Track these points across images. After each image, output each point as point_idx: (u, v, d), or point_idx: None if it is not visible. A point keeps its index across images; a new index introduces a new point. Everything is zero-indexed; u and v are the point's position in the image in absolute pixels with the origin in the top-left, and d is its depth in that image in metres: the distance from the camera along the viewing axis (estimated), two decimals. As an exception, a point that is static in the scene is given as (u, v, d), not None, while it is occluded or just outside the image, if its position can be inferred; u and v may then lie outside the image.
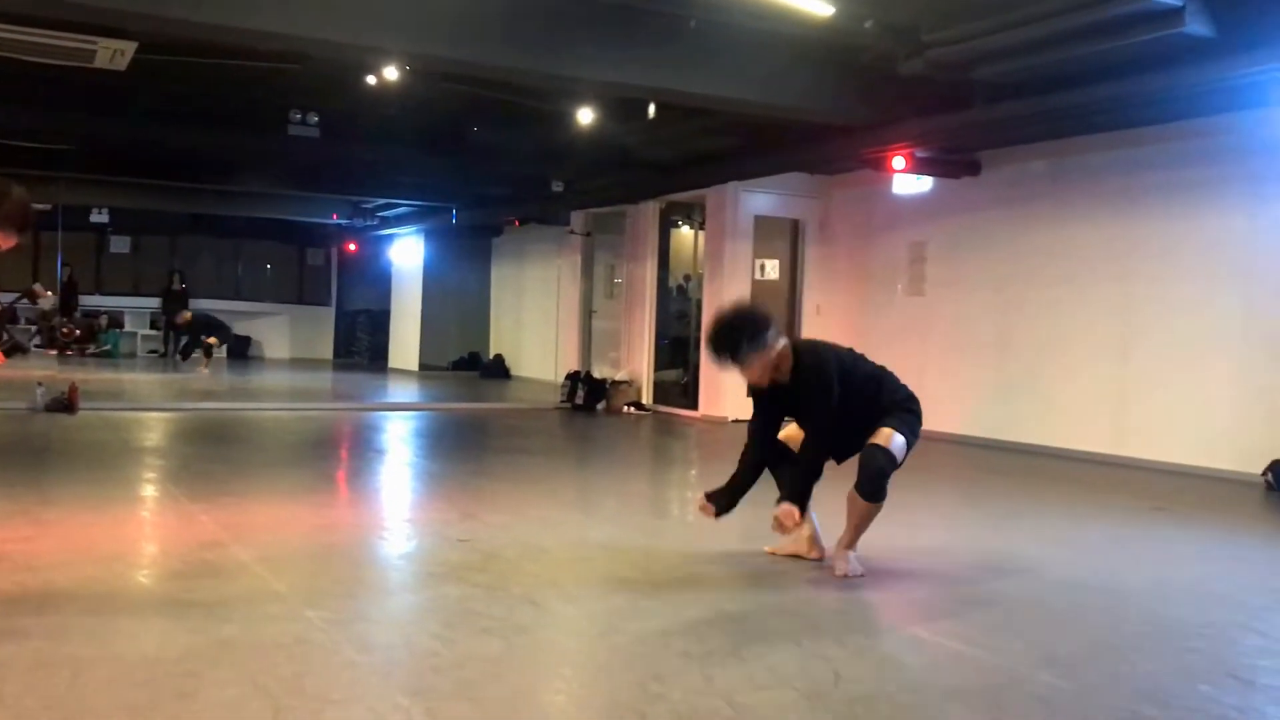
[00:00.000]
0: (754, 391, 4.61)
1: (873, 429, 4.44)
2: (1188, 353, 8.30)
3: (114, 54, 7.83)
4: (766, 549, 4.79)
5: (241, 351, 20.97)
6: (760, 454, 4.66)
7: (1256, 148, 7.90)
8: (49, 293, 17.02)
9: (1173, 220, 8.49)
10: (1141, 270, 8.66)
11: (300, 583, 4.06)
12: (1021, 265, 9.63)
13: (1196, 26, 6.03)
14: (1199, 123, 8.07)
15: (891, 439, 4.39)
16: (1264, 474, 7.43)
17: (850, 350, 4.75)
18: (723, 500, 4.61)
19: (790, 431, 4.70)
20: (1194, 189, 8.36)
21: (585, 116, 9.85)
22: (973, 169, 9.96)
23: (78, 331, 16.33)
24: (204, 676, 2.95)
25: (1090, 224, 9.11)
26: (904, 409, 4.55)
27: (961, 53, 6.99)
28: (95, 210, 17.44)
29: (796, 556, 4.71)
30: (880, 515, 4.49)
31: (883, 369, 4.71)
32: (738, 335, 4.38)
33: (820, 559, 4.65)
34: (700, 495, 4.70)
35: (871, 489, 4.37)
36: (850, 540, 4.50)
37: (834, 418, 4.46)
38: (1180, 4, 5.89)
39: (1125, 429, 8.68)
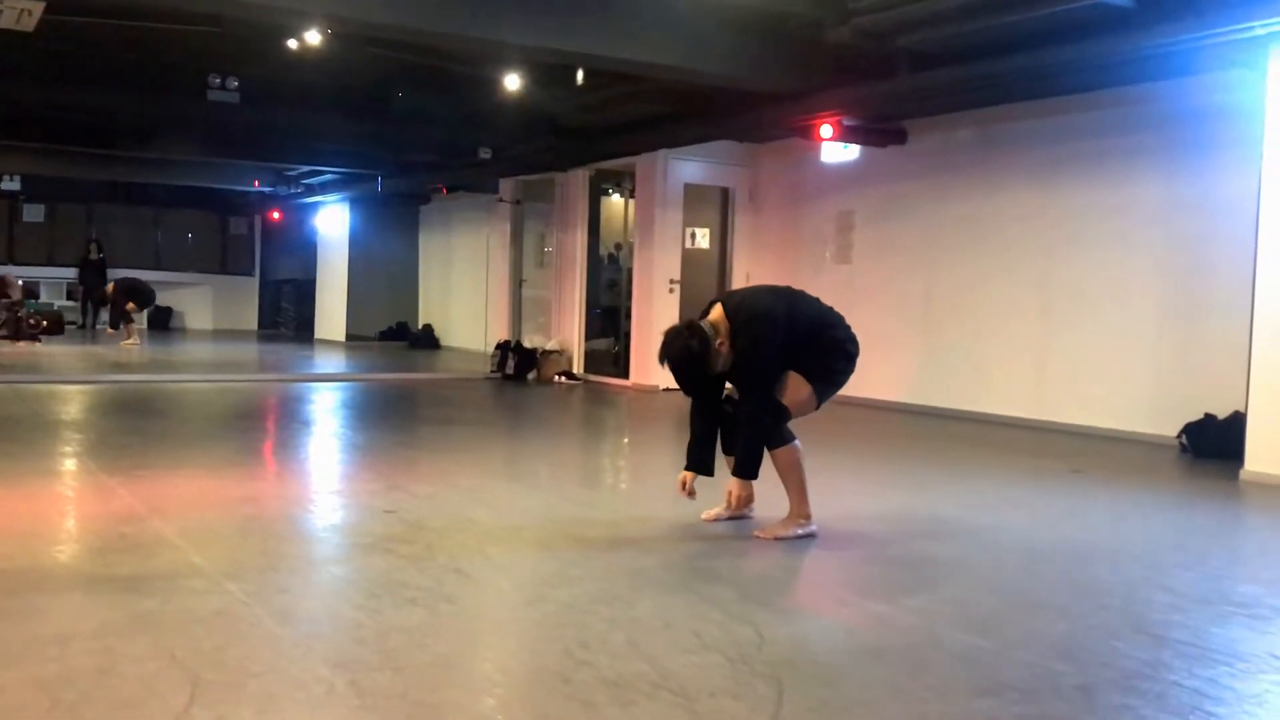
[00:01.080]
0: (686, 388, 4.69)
1: (813, 371, 4.55)
2: (1106, 319, 8.48)
3: (20, 14, 7.54)
4: (703, 516, 4.81)
5: (163, 323, 20.56)
6: (704, 426, 4.74)
7: (1174, 117, 8.07)
8: (19, 281, 16.49)
9: (1094, 188, 8.65)
10: (1063, 237, 8.82)
11: (222, 556, 3.99)
12: (947, 233, 9.75)
13: (1116, -4, 6.13)
14: (1119, 92, 8.22)
15: (785, 394, 4.50)
16: (1178, 437, 7.64)
17: (789, 291, 4.80)
18: (699, 466, 4.69)
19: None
20: (1114, 157, 8.52)
21: (512, 82, 9.74)
22: (899, 138, 10.04)
23: (44, 322, 15.90)
24: (120, 652, 2.90)
25: (1014, 192, 9.24)
26: (841, 352, 4.65)
27: (886, 20, 7.04)
28: (6, 177, 16.93)
29: (734, 518, 4.76)
30: (808, 481, 4.54)
31: (827, 310, 4.79)
32: (696, 366, 4.48)
33: (750, 516, 4.73)
34: (679, 480, 4.72)
35: (770, 439, 4.51)
36: (795, 505, 4.57)
37: (773, 390, 4.52)
38: (1100, -26, 5.98)
39: (1046, 394, 8.86)
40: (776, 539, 4.48)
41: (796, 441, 4.59)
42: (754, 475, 4.56)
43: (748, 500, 4.71)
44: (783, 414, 4.54)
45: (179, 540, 4.17)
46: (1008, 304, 9.22)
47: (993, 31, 6.95)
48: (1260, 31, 6.11)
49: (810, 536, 4.55)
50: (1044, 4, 6.35)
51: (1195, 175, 7.94)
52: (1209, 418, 7.48)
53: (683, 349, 4.49)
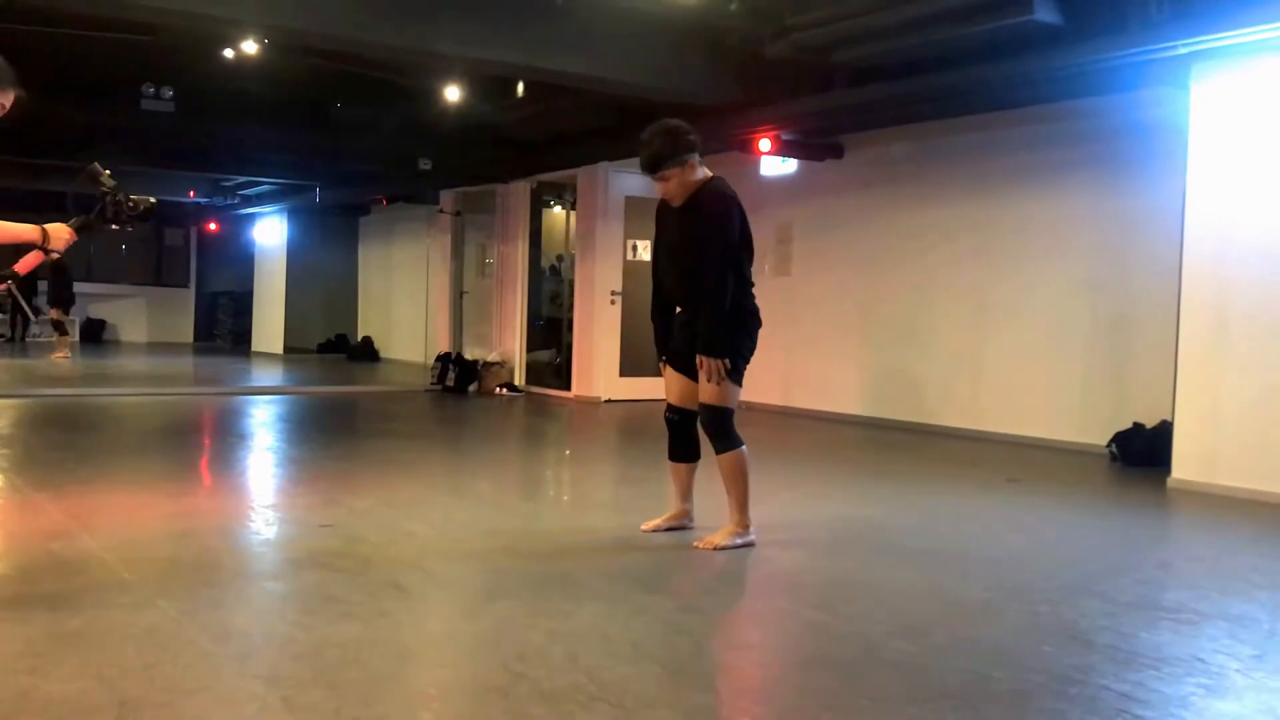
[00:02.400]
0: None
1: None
2: (1039, 331, 8.63)
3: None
4: (643, 527, 4.82)
5: (95, 335, 20.16)
6: (666, 322, 4.82)
7: (1103, 132, 8.25)
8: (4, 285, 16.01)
9: (1026, 202, 8.81)
10: (996, 250, 8.97)
11: (153, 572, 3.92)
12: (883, 245, 9.87)
13: (1045, 14, 6.26)
14: (1051, 108, 8.38)
15: (715, 395, 4.48)
16: (1108, 446, 7.79)
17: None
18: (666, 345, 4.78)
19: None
20: (1045, 171, 8.69)
21: (453, 94, 9.71)
22: (836, 151, 10.16)
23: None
24: (46, 672, 2.83)
25: (949, 205, 9.38)
26: (741, 327, 4.54)
27: (823, 36, 7.12)
28: (-67, 188, 16.51)
29: (674, 529, 4.77)
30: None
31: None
32: (670, 153, 4.47)
33: (691, 526, 4.76)
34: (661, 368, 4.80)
35: (720, 443, 4.52)
36: (735, 514, 4.57)
37: (730, 258, 4.45)
38: (1030, -8, 6.10)
39: (982, 404, 9.00)
40: (717, 549, 4.50)
41: (744, 447, 4.59)
42: (723, 352, 4.42)
43: (686, 513, 4.76)
44: (729, 416, 4.55)
45: (109, 557, 4.09)
46: (943, 315, 9.35)
47: (927, 48, 7.06)
48: (1183, 50, 6.27)
49: (749, 545, 4.57)
50: (977, 21, 6.46)
51: (1123, 189, 8.12)
52: (1137, 427, 7.64)
53: (670, 126, 4.57)
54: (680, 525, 4.79)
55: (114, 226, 3.58)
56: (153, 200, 3.73)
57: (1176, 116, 6.94)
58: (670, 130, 4.55)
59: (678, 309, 4.75)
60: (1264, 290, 6.34)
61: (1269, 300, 6.32)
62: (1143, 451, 7.42)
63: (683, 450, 4.78)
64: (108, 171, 3.60)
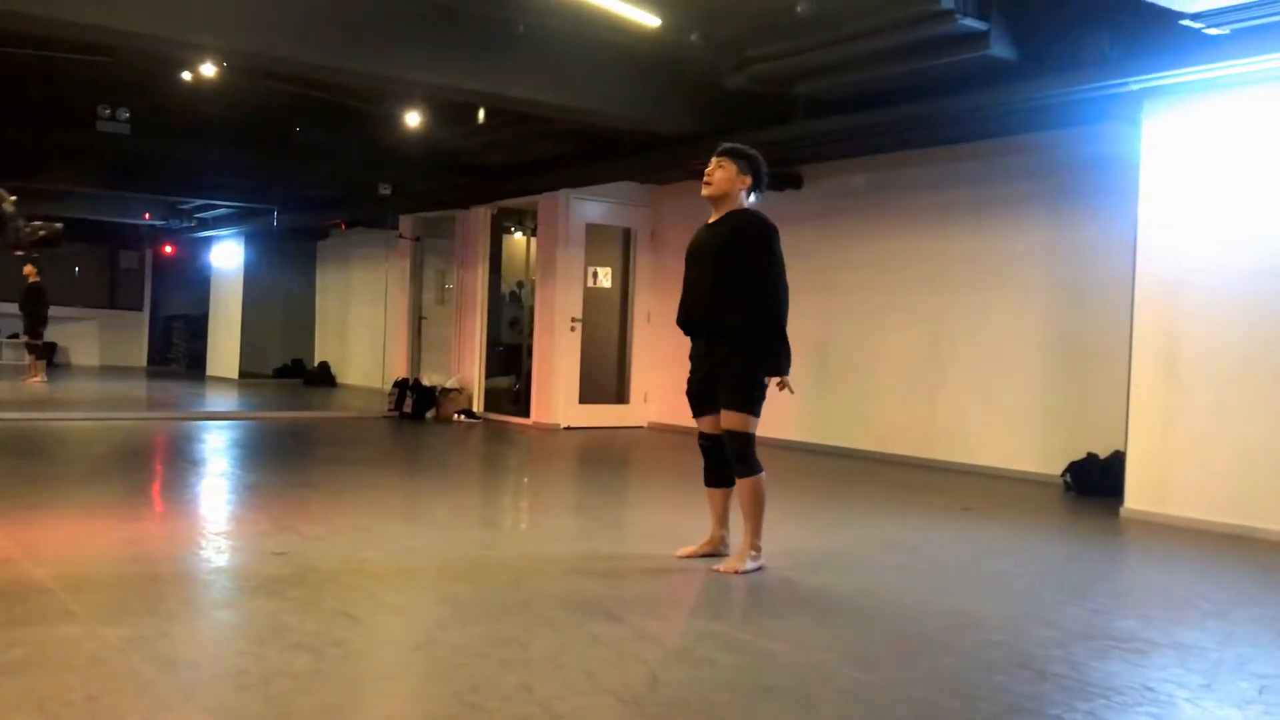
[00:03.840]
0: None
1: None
2: (994, 361, 8.73)
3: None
4: (678, 553, 4.91)
5: (46, 359, 19.81)
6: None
7: (1056, 166, 8.39)
8: None
9: (981, 233, 8.92)
10: (952, 281, 9.06)
11: (99, 600, 3.85)
12: (841, 276, 9.95)
13: (1000, 50, 6.36)
14: (1006, 141, 8.52)
15: (740, 422, 4.63)
16: (1063, 475, 7.87)
17: None
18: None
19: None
20: (1000, 204, 8.81)
21: (413, 119, 9.70)
22: (795, 182, 10.25)
23: None
24: (-15, 703, 2.77)
25: (905, 237, 9.48)
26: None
27: (782, 68, 7.19)
28: (-120, 207, 16.20)
29: (709, 555, 4.87)
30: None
31: None
32: (742, 153, 4.79)
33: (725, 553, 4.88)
34: None
35: (740, 467, 4.65)
36: (749, 538, 4.66)
37: (780, 278, 4.65)
38: (985, 28, 6.20)
39: (938, 433, 9.07)
40: (737, 573, 4.56)
41: (764, 474, 4.70)
42: (787, 369, 4.65)
43: (722, 539, 4.90)
44: (752, 441, 4.68)
45: (53, 585, 4.01)
46: (900, 345, 9.43)
47: (885, 81, 7.15)
48: (1135, 87, 6.40)
49: (760, 569, 4.66)
50: (931, 56, 6.55)
51: (1077, 222, 8.25)
52: (1091, 457, 7.73)
53: (748, 150, 4.84)
54: (715, 552, 4.87)
55: (17, 252, 3.51)
56: (58, 225, 3.65)
57: (1128, 151, 7.07)
58: (754, 150, 4.87)
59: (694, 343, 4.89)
60: (1213, 322, 6.46)
61: (1218, 332, 6.43)
62: (1096, 481, 7.50)
63: (718, 476, 4.88)
64: (14, 197, 3.51)
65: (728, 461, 4.74)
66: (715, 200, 4.79)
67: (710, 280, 4.70)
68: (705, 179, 4.79)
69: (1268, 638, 4.01)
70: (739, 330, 4.63)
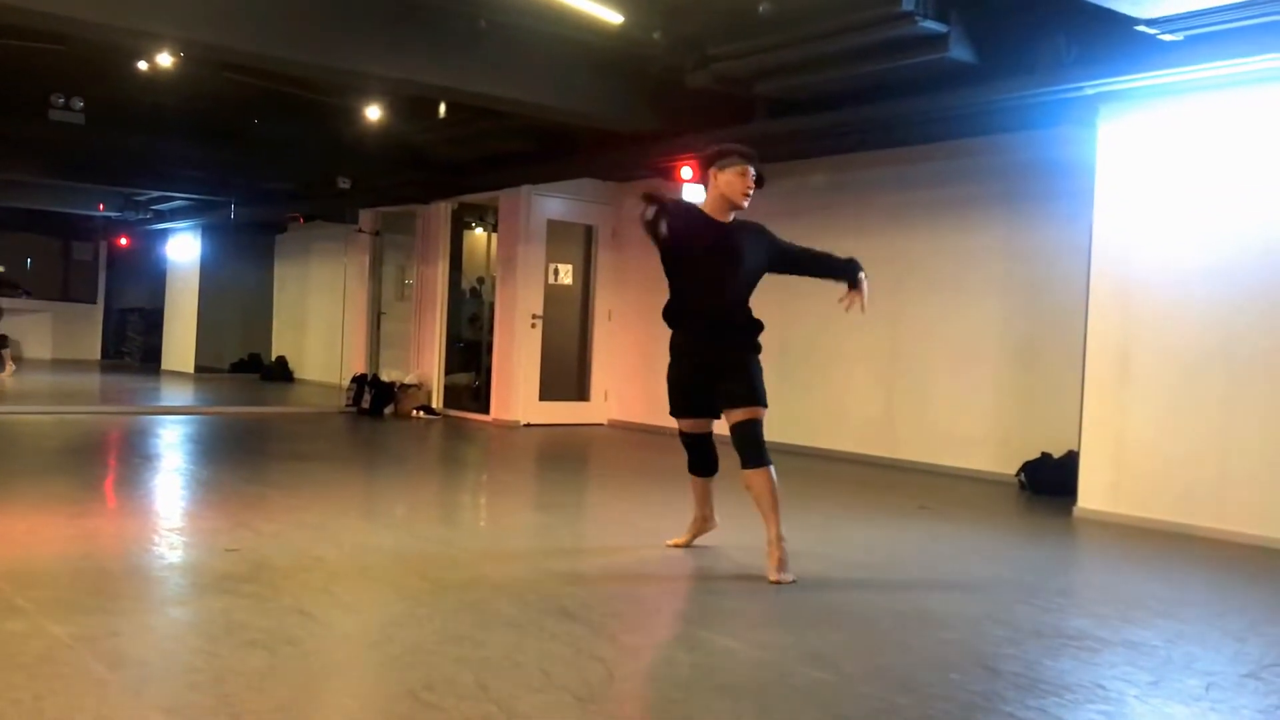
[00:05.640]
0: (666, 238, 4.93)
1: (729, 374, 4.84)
2: (951, 361, 8.80)
3: None
4: (668, 543, 5.12)
5: (-2, 351, 19.49)
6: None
7: (1013, 168, 8.47)
8: None
9: (938, 234, 9.00)
10: (910, 281, 9.13)
11: (48, 597, 3.79)
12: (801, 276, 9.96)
13: (960, 53, 6.42)
14: (963, 143, 8.59)
15: (757, 413, 4.86)
16: (1017, 474, 7.96)
17: None
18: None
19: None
20: (958, 205, 8.89)
21: (374, 113, 9.62)
22: (756, 181, 10.24)
23: None
24: (-72, 703, 2.72)
25: (865, 237, 9.52)
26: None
27: (744, 67, 7.22)
28: None
29: (700, 535, 5.14)
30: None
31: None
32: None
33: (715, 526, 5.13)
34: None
35: (752, 456, 4.76)
36: (772, 533, 4.67)
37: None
38: (945, 30, 6.25)
39: (896, 432, 9.13)
40: (789, 583, 4.53)
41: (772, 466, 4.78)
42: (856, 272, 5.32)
43: (707, 518, 5.15)
44: (760, 429, 4.82)
45: (0, 581, 3.94)
46: (859, 344, 9.48)
47: (844, 82, 7.20)
48: (1090, 91, 6.49)
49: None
50: (890, 58, 6.60)
51: (1033, 224, 8.34)
52: (1045, 456, 7.82)
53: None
54: (703, 533, 5.12)
55: None
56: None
57: (1084, 154, 7.15)
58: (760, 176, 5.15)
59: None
60: (1166, 323, 6.55)
61: (1170, 334, 6.53)
62: (1051, 481, 7.59)
63: (704, 464, 5.09)
64: None
65: (713, 450, 5.05)
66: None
67: (741, 280, 4.97)
68: (751, 190, 5.07)
69: (1215, 636, 4.08)
70: (753, 325, 4.95)
